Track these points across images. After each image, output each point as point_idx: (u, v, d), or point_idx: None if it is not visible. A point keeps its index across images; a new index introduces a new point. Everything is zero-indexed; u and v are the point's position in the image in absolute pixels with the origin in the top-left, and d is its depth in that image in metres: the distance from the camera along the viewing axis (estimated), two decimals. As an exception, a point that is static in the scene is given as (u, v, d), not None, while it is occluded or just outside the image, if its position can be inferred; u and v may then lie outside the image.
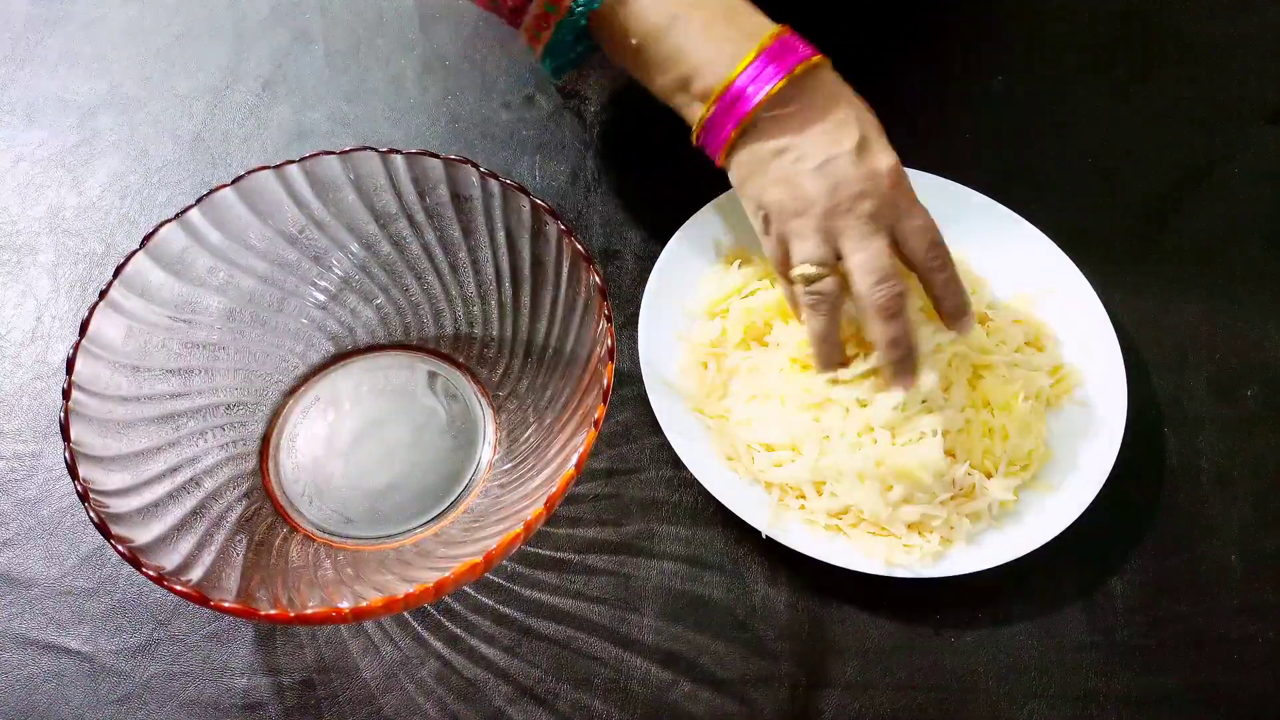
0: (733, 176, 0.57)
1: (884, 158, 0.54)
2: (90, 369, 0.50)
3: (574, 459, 0.47)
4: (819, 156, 0.53)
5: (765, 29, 0.54)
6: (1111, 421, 0.57)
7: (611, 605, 0.54)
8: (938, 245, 0.55)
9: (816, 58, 0.54)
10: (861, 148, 0.54)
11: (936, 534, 0.54)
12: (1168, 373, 0.63)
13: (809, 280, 0.54)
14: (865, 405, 0.56)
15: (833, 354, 0.56)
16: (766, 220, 0.55)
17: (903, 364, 0.54)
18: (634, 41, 0.55)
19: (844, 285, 0.55)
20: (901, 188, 0.54)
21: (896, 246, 0.54)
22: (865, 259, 0.53)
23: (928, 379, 0.55)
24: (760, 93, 0.53)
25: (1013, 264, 0.63)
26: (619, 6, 0.55)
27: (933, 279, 0.55)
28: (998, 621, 0.54)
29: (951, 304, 0.55)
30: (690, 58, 0.54)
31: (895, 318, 0.53)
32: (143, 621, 0.54)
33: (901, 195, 0.54)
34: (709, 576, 0.55)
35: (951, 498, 0.55)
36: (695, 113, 0.56)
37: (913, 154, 0.65)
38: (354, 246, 0.59)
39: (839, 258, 0.54)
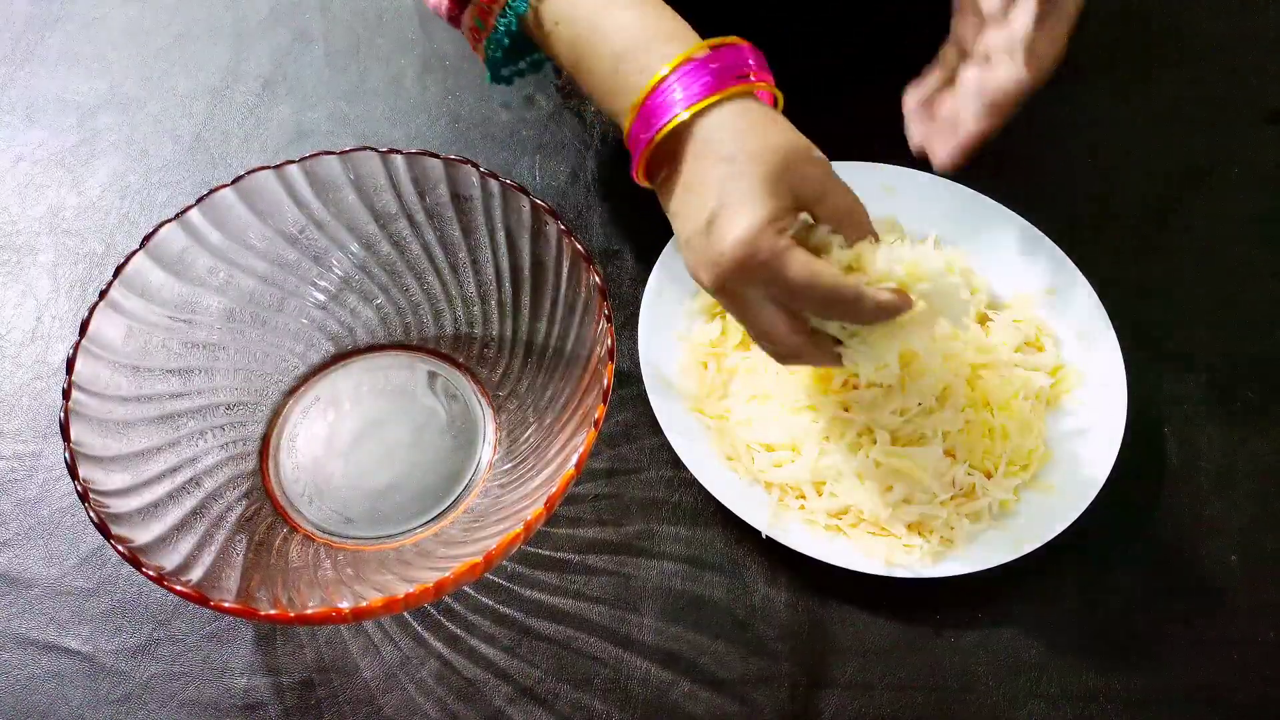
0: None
1: (728, 232, 0.46)
2: (90, 369, 0.50)
3: (574, 459, 0.47)
4: (684, 232, 0.48)
5: (691, 41, 0.49)
6: (1111, 421, 0.57)
7: (611, 605, 0.54)
8: (830, 303, 0.46)
9: (762, 84, 0.48)
10: (710, 222, 0.46)
11: (936, 534, 0.54)
12: (1168, 373, 0.63)
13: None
14: (847, 407, 0.56)
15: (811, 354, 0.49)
16: None
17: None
18: (566, 68, 0.53)
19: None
20: (753, 260, 0.46)
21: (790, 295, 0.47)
22: (749, 331, 0.49)
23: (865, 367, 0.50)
24: (669, 115, 0.47)
25: (1013, 264, 0.63)
26: (540, 32, 0.52)
27: (858, 324, 0.48)
28: (998, 621, 0.54)
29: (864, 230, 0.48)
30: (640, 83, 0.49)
31: (800, 364, 0.50)
32: (143, 621, 0.54)
33: (758, 268, 0.46)
34: (709, 576, 0.55)
35: (951, 498, 0.55)
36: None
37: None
38: (354, 246, 0.59)
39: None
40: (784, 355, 0.49)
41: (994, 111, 0.51)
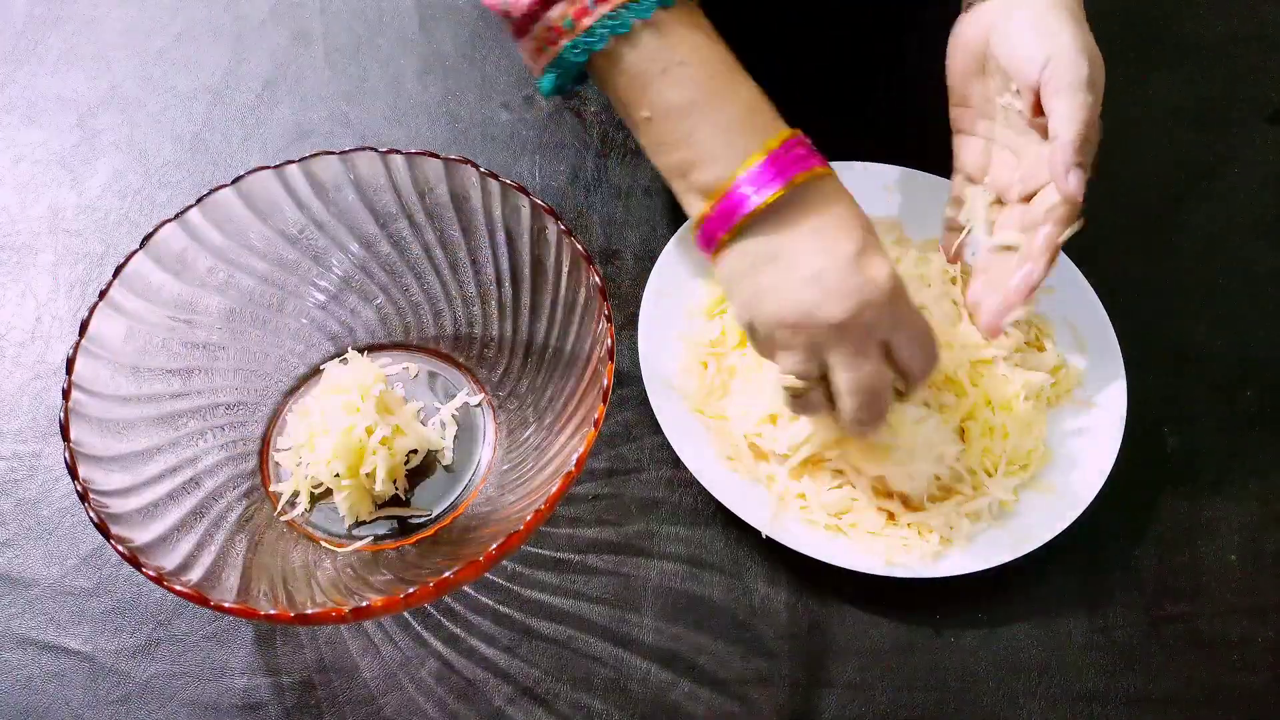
0: (721, 275, 0.53)
1: (880, 266, 0.50)
2: (90, 369, 0.50)
3: (574, 459, 0.47)
4: (811, 267, 0.49)
5: (777, 130, 0.51)
6: (1111, 421, 0.57)
7: (611, 605, 0.54)
8: (932, 359, 0.52)
9: (821, 169, 0.51)
10: (859, 255, 0.49)
11: (936, 534, 0.54)
12: (1168, 373, 0.63)
13: (795, 393, 0.52)
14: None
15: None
16: (753, 326, 0.52)
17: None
18: (646, 114, 0.52)
19: (828, 395, 0.52)
20: (899, 297, 0.50)
21: (890, 355, 0.51)
22: (852, 380, 0.50)
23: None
24: (759, 199, 0.50)
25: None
26: (636, 79, 0.51)
27: (917, 387, 0.53)
28: (998, 621, 0.54)
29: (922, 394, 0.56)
30: (697, 148, 0.51)
31: (874, 430, 0.52)
32: (143, 621, 0.54)
33: (899, 304, 0.50)
34: (709, 576, 0.55)
35: (951, 498, 0.55)
36: (691, 205, 0.53)
37: (918, 156, 0.66)
38: (354, 246, 0.59)
39: (825, 371, 0.51)
40: (870, 403, 0.50)
41: (1020, 297, 0.54)
